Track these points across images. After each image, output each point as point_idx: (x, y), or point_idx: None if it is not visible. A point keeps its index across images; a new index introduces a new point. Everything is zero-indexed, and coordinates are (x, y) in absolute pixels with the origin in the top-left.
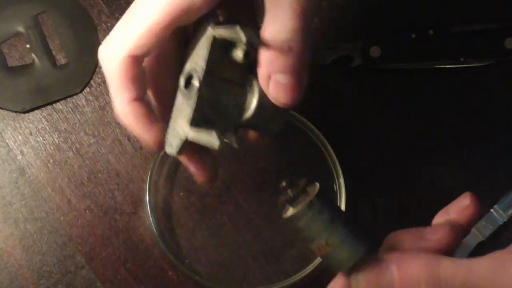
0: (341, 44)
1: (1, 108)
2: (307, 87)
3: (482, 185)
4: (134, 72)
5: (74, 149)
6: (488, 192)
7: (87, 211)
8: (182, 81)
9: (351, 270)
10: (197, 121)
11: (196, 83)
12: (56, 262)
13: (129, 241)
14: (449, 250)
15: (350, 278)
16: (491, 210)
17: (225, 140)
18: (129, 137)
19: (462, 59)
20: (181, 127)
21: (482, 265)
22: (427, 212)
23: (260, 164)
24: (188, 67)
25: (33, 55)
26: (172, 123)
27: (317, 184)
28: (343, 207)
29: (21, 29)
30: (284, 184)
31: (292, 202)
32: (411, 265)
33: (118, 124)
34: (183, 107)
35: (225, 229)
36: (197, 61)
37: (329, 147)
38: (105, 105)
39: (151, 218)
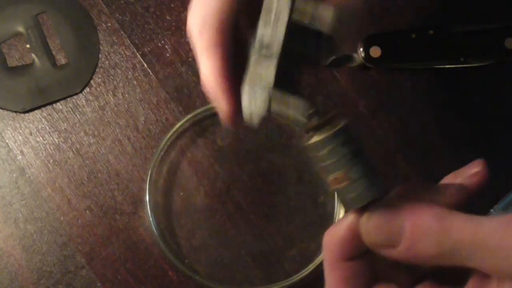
0: (341, 44)
1: (1, 108)
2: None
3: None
4: (224, 36)
5: (74, 149)
6: (488, 192)
7: (87, 211)
8: (257, 48)
9: (362, 211)
10: (275, 91)
11: (274, 54)
12: (56, 262)
13: (129, 241)
14: (458, 207)
15: (360, 219)
16: (491, 210)
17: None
18: (129, 137)
19: (462, 59)
20: (260, 97)
21: (493, 223)
22: None
23: (260, 164)
24: (261, 33)
25: (33, 55)
26: (248, 93)
27: (345, 119)
28: (343, 208)
29: (21, 29)
30: (311, 111)
31: (317, 130)
32: (424, 215)
33: (118, 124)
34: (260, 75)
35: (225, 229)
36: (273, 34)
37: None
38: (105, 105)
39: (151, 218)
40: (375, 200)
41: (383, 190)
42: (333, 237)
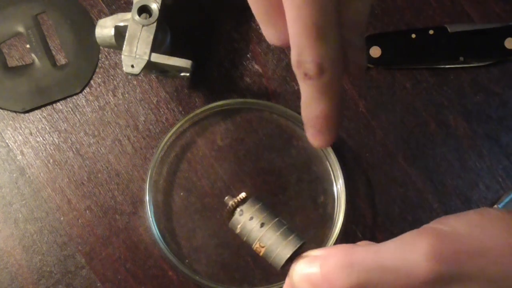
0: None
1: (1, 108)
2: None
3: (482, 185)
4: None
5: (74, 149)
6: (488, 192)
7: (87, 211)
8: (137, 13)
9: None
10: (152, 47)
11: (156, 13)
12: (56, 262)
13: (129, 241)
14: None
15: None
16: None
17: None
18: (129, 137)
19: (462, 59)
20: (142, 51)
21: (390, 245)
22: (427, 212)
23: (260, 164)
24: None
25: (33, 55)
26: (128, 47)
27: (249, 196)
28: (343, 208)
29: (21, 29)
30: (226, 198)
31: (231, 213)
32: (331, 255)
33: (118, 124)
34: (142, 34)
35: (225, 229)
36: (154, 8)
37: (328, 147)
38: (105, 105)
39: (151, 218)
40: (295, 254)
41: (298, 245)
42: None
